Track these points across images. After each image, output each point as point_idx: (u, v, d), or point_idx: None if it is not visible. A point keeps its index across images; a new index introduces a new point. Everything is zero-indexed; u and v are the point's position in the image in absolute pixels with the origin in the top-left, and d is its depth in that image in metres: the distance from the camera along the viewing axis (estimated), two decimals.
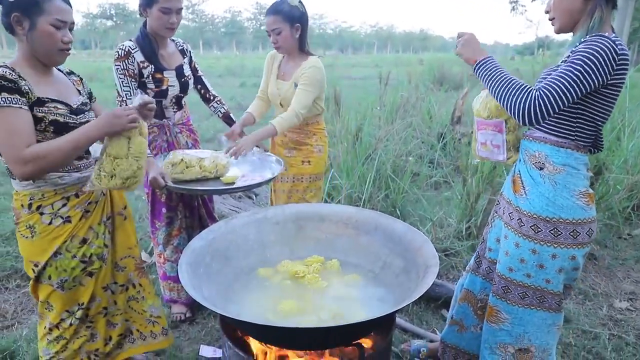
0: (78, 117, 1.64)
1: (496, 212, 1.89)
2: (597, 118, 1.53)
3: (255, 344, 1.63)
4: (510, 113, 1.50)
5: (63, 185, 1.65)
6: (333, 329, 1.40)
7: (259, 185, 2.23)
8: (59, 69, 1.73)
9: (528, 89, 1.47)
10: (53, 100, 1.57)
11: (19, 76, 1.51)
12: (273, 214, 2.06)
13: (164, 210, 2.49)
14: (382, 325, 1.67)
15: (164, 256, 2.58)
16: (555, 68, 1.56)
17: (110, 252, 1.85)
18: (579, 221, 1.57)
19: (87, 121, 1.67)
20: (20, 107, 1.47)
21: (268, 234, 2.01)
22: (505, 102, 1.51)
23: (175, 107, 2.45)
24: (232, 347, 1.54)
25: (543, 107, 1.43)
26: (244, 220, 2.00)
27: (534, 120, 1.45)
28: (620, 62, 1.43)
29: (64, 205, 1.66)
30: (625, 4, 16.24)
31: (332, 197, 4.07)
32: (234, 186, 2.20)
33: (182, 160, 2.17)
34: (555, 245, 1.59)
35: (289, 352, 1.60)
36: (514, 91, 1.48)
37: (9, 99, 1.45)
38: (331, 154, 4.23)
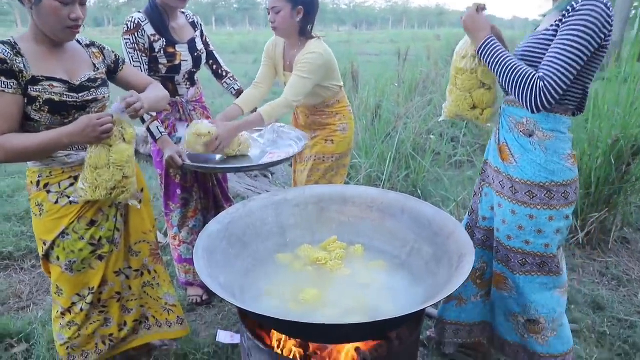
0: (80, 94, 1.54)
1: (484, 180, 1.88)
2: (586, 80, 1.55)
3: (275, 334, 1.55)
4: (519, 102, 1.52)
5: (71, 165, 1.59)
6: (362, 325, 1.29)
7: (278, 163, 2.12)
8: (77, 41, 1.62)
9: (531, 77, 1.47)
10: (49, 79, 1.47)
11: (18, 53, 1.42)
12: (293, 196, 1.94)
13: (178, 191, 2.40)
14: (412, 319, 1.56)
15: (180, 238, 2.50)
16: (542, 36, 1.53)
17: (124, 235, 1.79)
18: (568, 182, 1.61)
19: (94, 99, 1.58)
20: (3, 91, 1.39)
21: (288, 217, 1.91)
22: (512, 93, 1.53)
23: (188, 83, 2.33)
24: (252, 339, 1.44)
25: (549, 95, 1.44)
26: (263, 203, 1.89)
27: (542, 109, 1.48)
28: (612, 21, 1.43)
29: (72, 184, 1.59)
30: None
31: (351, 176, 3.95)
32: (253, 164, 2.08)
33: (209, 132, 2.03)
34: (551, 208, 1.62)
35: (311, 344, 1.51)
36: (518, 81, 1.49)
37: None
38: None
